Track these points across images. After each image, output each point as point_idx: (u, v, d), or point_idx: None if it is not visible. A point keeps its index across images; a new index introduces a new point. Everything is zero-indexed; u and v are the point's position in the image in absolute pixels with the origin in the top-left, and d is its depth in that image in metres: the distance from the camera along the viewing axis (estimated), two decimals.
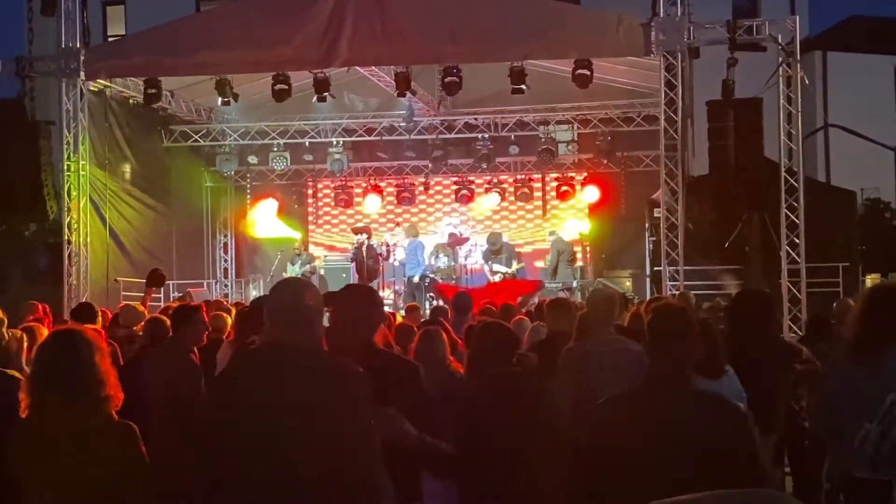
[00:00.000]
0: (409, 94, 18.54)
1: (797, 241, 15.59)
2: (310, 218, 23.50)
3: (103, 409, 3.93)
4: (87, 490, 3.78)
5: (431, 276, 19.63)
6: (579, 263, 21.16)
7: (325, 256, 22.67)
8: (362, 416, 3.63)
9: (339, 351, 4.15)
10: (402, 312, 15.46)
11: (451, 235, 20.86)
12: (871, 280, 19.32)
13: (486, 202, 22.23)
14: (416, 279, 19.37)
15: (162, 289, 16.71)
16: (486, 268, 20.07)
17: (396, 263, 20.59)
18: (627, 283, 20.44)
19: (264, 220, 22.87)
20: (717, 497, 2.04)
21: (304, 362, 3.67)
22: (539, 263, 21.20)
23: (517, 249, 20.82)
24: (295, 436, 3.51)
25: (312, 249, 22.77)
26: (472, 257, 21.30)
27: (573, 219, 22.19)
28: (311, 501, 3.50)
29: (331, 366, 3.73)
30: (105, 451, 3.83)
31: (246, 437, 3.54)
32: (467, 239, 21.46)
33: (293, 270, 20.30)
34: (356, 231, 20.33)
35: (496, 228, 21.49)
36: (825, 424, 5.32)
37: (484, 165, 21.28)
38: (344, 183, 22.59)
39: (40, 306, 11.34)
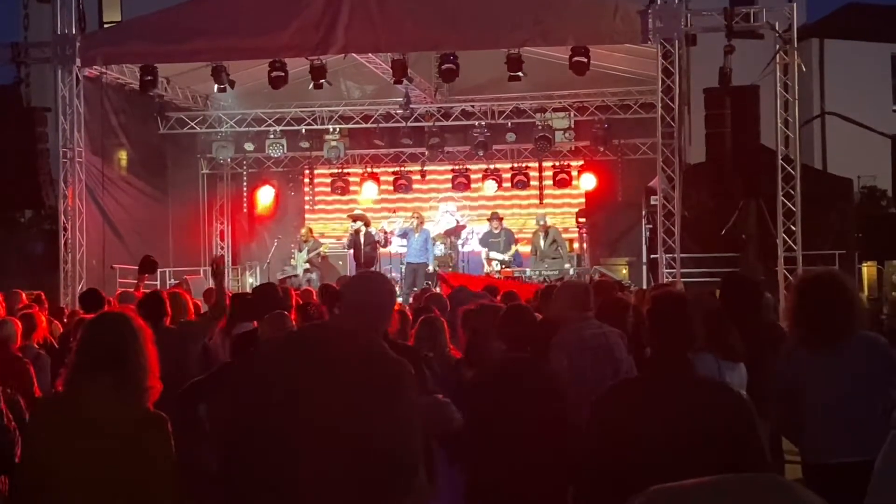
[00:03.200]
0: (405, 82, 18.52)
1: (793, 228, 15.62)
2: (306, 205, 23.47)
3: (144, 400, 3.90)
4: (112, 476, 3.74)
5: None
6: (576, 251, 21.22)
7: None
8: (410, 415, 3.65)
9: None
10: (400, 299, 15.50)
11: (449, 231, 20.88)
12: (866, 268, 19.32)
13: (483, 190, 22.22)
14: (430, 269, 19.36)
15: (158, 276, 16.72)
16: (483, 253, 20.17)
17: (394, 251, 20.63)
18: (624, 271, 20.43)
19: (261, 207, 22.89)
20: (721, 481, 2.04)
21: (360, 350, 3.69)
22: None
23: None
24: (334, 418, 3.51)
25: None
26: (469, 245, 21.30)
27: (569, 206, 22.18)
28: (347, 488, 3.50)
29: (386, 359, 3.74)
30: (136, 439, 3.79)
31: (285, 416, 3.55)
32: (464, 226, 21.46)
33: (301, 257, 20.32)
34: (354, 218, 20.35)
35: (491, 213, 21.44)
36: (785, 418, 5.37)
37: (480, 153, 21.27)
38: (340, 170, 22.57)
39: (24, 294, 11.32)
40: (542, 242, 19.75)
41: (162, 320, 7.35)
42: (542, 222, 19.95)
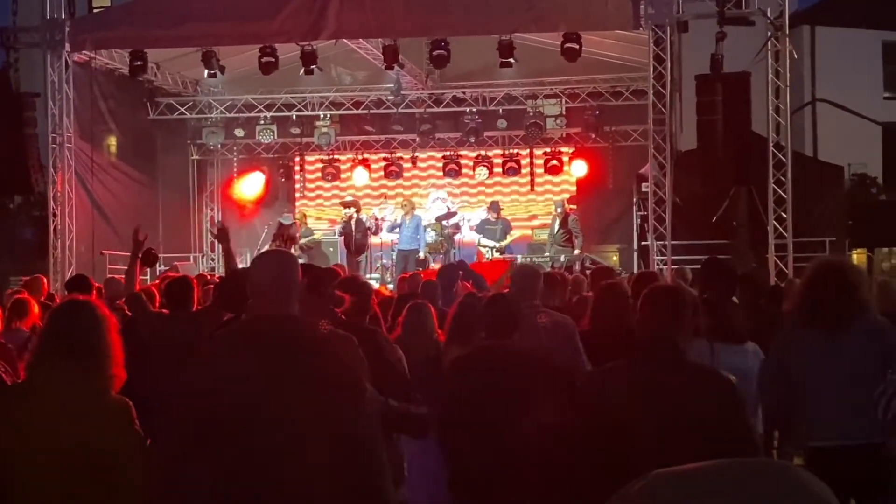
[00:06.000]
0: (396, 68, 18.48)
1: (784, 215, 15.63)
2: (297, 192, 23.42)
3: (105, 385, 3.86)
4: (76, 462, 3.71)
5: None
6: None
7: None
8: (360, 386, 3.61)
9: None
10: (391, 286, 15.48)
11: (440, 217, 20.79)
12: (857, 255, 19.38)
13: (475, 176, 22.17)
14: (421, 256, 19.27)
15: (155, 265, 16.67)
16: (477, 239, 20.11)
17: (386, 238, 20.59)
18: (615, 258, 20.48)
19: (250, 194, 22.81)
20: (725, 465, 2.03)
21: (295, 334, 3.63)
22: (541, 234, 21.07)
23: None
24: (291, 410, 3.43)
25: None
26: (462, 233, 21.27)
27: (561, 193, 22.13)
28: (313, 479, 3.43)
29: (324, 336, 3.71)
30: (99, 425, 3.75)
31: (237, 414, 3.45)
32: (455, 213, 21.42)
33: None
34: (345, 205, 20.29)
35: (491, 201, 21.34)
36: (778, 396, 5.44)
37: (472, 139, 21.25)
38: (331, 156, 22.52)
39: (45, 280, 11.36)
40: (555, 228, 19.62)
41: (189, 306, 7.39)
42: (559, 209, 19.77)
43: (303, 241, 20.27)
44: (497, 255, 19.53)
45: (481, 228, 20.35)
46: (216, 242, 22.80)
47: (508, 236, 20.01)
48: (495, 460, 4.74)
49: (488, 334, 5.28)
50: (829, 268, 5.44)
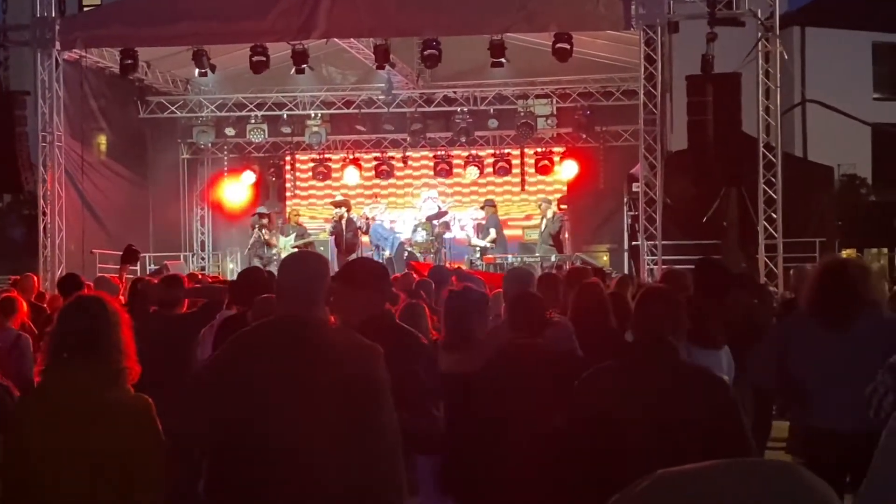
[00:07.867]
0: (387, 67, 18.46)
1: (774, 216, 15.68)
2: (287, 191, 23.39)
3: (122, 381, 3.84)
4: (99, 462, 3.69)
5: (409, 249, 19.63)
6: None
7: None
8: (384, 394, 3.57)
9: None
10: None
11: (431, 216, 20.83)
12: (846, 255, 19.42)
13: (465, 176, 22.18)
14: (387, 254, 19.30)
15: (138, 262, 16.66)
16: (469, 238, 20.13)
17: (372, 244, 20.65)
18: (605, 258, 20.50)
19: (241, 193, 22.78)
20: (729, 465, 2.03)
21: (317, 337, 3.62)
22: (532, 234, 21.12)
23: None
24: (305, 412, 3.43)
25: None
26: (452, 231, 21.27)
27: (551, 193, 22.15)
28: (322, 485, 3.41)
29: (352, 341, 3.67)
30: (121, 424, 3.73)
31: (253, 413, 3.46)
32: (446, 212, 21.42)
33: (287, 243, 20.12)
34: (336, 205, 20.29)
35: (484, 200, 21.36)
36: (788, 389, 5.63)
37: (463, 139, 21.23)
38: (322, 156, 22.50)
39: (35, 278, 11.38)
40: (542, 227, 19.69)
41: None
42: (544, 206, 19.86)
43: (298, 242, 20.09)
44: (483, 254, 19.47)
45: (476, 227, 20.35)
46: (206, 242, 22.85)
47: (491, 231, 19.89)
48: (500, 460, 4.71)
49: (516, 334, 5.28)
50: (837, 265, 5.55)
